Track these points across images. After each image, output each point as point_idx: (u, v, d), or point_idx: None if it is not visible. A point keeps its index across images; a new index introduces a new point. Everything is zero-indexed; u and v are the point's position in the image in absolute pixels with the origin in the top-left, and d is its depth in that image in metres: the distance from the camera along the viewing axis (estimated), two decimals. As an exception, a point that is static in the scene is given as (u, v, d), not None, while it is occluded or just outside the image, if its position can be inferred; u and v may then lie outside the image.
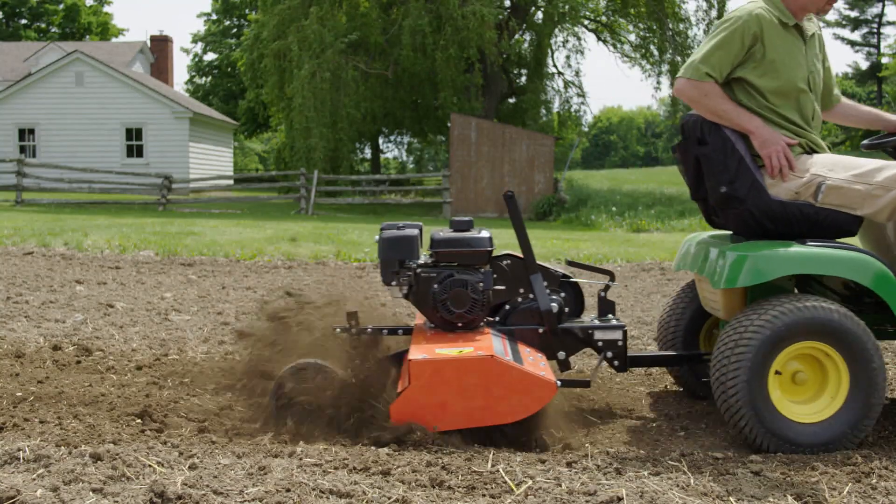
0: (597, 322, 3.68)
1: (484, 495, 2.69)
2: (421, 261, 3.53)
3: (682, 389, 4.19)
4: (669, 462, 3.04)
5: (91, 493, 2.55)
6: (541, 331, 3.59)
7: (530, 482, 2.77)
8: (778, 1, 3.50)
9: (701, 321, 4.08)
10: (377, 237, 3.60)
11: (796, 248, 3.26)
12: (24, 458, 2.83)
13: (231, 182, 30.11)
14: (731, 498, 2.71)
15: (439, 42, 23.52)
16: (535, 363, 3.28)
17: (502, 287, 3.61)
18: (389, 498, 2.62)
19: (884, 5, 48.43)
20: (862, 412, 3.18)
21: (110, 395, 3.83)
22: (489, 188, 23.37)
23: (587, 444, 3.28)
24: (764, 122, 3.42)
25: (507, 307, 3.65)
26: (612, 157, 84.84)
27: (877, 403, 3.18)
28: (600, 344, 3.64)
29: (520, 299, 3.65)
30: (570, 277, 3.77)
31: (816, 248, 3.26)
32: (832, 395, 3.22)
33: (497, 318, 3.64)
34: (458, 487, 2.74)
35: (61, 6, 51.36)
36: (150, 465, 2.81)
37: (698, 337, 4.09)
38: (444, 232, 3.54)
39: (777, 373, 3.20)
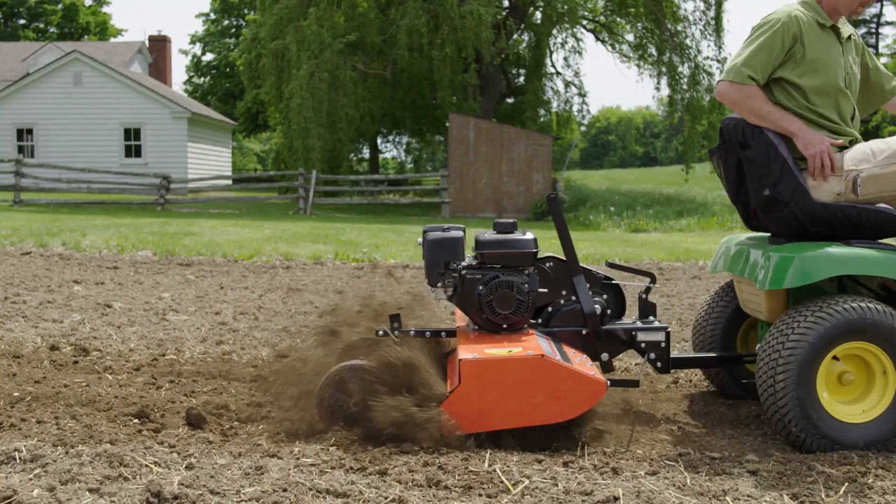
0: (639, 324, 3.68)
1: (480, 495, 2.70)
2: (465, 262, 3.54)
3: (708, 388, 4.20)
4: (666, 462, 3.04)
5: (87, 492, 2.55)
6: (584, 332, 3.60)
7: (527, 482, 2.77)
8: (814, 3, 3.54)
9: (738, 323, 4.08)
10: (420, 240, 3.61)
11: (842, 249, 3.27)
12: (20, 458, 2.83)
13: (229, 182, 30.10)
14: (727, 497, 2.71)
15: (436, 42, 23.51)
16: (583, 363, 3.30)
17: (545, 289, 3.61)
18: (386, 498, 2.63)
19: (882, 6, 48.47)
20: None
21: (107, 395, 3.83)
22: (487, 188, 23.37)
23: (584, 444, 3.28)
24: (806, 124, 3.44)
25: (550, 309, 3.65)
26: (611, 157, 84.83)
27: None
28: (643, 345, 3.64)
29: (562, 301, 3.66)
30: (612, 279, 3.78)
31: (862, 248, 3.28)
32: (879, 394, 3.24)
33: (539, 321, 3.65)
34: (455, 487, 2.74)
35: (60, 6, 51.32)
36: (147, 465, 2.81)
37: (735, 339, 4.09)
38: (489, 234, 3.55)
39: (835, 358, 3.21)
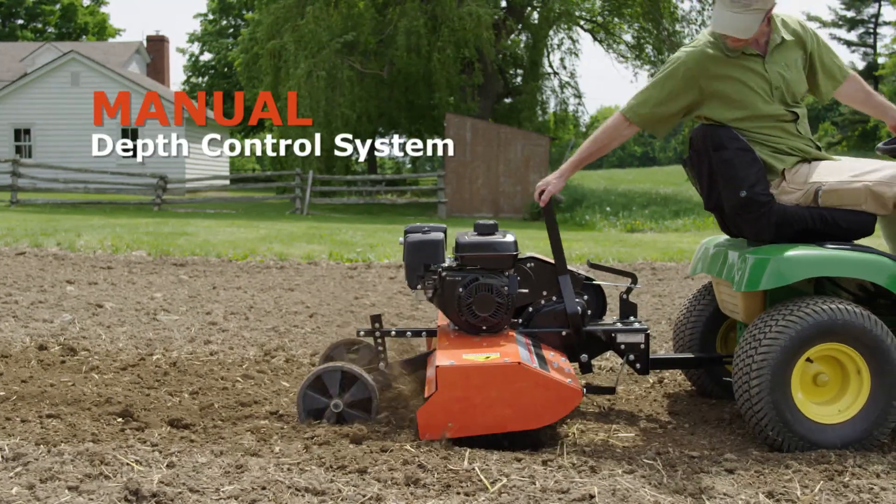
0: (619, 325, 3.70)
1: (458, 493, 2.71)
2: (446, 264, 3.55)
3: (691, 388, 4.22)
4: (644, 461, 3.06)
5: (67, 490, 2.57)
6: (564, 333, 3.62)
7: (505, 480, 2.79)
8: (717, 34, 3.50)
9: (717, 324, 4.10)
10: (401, 240, 3.62)
11: (817, 251, 3.29)
12: (2, 457, 2.85)
13: (227, 182, 30.08)
14: (703, 496, 2.73)
15: (435, 43, 23.52)
16: (561, 369, 3.32)
17: (525, 290, 3.63)
18: (364, 496, 2.64)
19: (880, 5, 48.45)
20: (884, 412, 3.21)
21: (92, 394, 3.84)
22: (484, 188, 23.38)
23: (564, 443, 3.30)
24: (562, 177, 3.64)
25: (531, 309, 3.67)
26: (610, 157, 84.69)
27: None
28: (623, 346, 3.66)
29: (542, 302, 3.67)
30: (593, 280, 3.80)
31: (836, 250, 3.30)
32: (854, 395, 3.26)
33: (520, 321, 3.66)
34: (434, 486, 2.76)
35: (58, 6, 51.26)
36: (128, 464, 2.83)
37: (715, 339, 4.11)
38: (469, 235, 3.56)
39: (809, 360, 3.23)
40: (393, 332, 3.70)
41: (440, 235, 3.60)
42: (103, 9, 56.61)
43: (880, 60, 47.72)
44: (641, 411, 3.91)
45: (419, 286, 3.55)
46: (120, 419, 3.46)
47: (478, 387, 3.13)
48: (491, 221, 3.59)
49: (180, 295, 7.31)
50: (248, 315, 6.33)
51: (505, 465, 2.96)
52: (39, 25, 51.96)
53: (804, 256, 3.28)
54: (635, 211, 21.76)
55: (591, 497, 2.64)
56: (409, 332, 3.75)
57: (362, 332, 3.68)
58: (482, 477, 2.82)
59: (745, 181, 3.39)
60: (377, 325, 3.63)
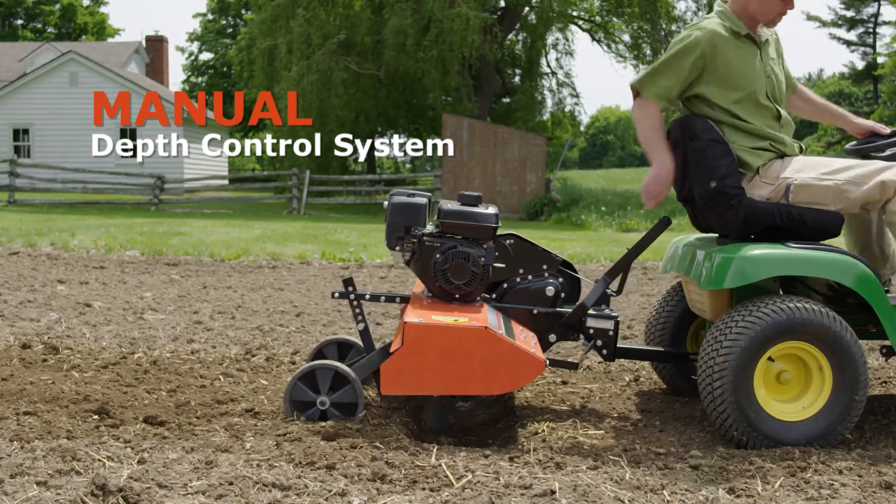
0: (591, 310, 3.75)
1: (423, 489, 2.75)
2: (427, 230, 3.60)
3: (665, 387, 4.26)
4: (610, 457, 3.10)
5: (35, 485, 2.61)
6: (535, 312, 3.68)
7: (470, 476, 2.83)
8: (728, 12, 3.56)
9: (688, 322, 4.15)
10: (385, 203, 3.68)
11: (781, 250, 3.33)
12: (-25, 454, 2.88)
13: (225, 182, 30.13)
14: (664, 492, 2.77)
15: (423, 44, 23.57)
16: (527, 341, 3.37)
17: (502, 265, 3.68)
18: (330, 491, 2.68)
19: (879, 5, 48.45)
20: (847, 408, 3.25)
21: (70, 391, 3.87)
22: (481, 188, 23.40)
23: (532, 440, 3.33)
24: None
25: (505, 286, 3.74)
26: (610, 156, 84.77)
27: (860, 401, 3.26)
28: (591, 332, 3.72)
29: (518, 280, 3.73)
30: (570, 264, 3.86)
31: (800, 249, 3.33)
32: (816, 392, 3.30)
33: (493, 296, 3.72)
34: (400, 482, 2.80)
35: (57, 6, 51.34)
36: (99, 460, 2.86)
37: (685, 337, 4.16)
38: (453, 204, 3.60)
39: (770, 359, 3.27)
40: (367, 296, 3.75)
41: (424, 200, 3.66)
42: (103, 9, 56.67)
43: (880, 60, 47.70)
44: (614, 409, 3.95)
45: (398, 248, 3.61)
46: (95, 416, 3.48)
47: (443, 346, 3.18)
48: (476, 193, 3.63)
49: (170, 294, 7.35)
50: (234, 314, 6.37)
51: (472, 461, 3.00)
52: (39, 25, 52.02)
53: (768, 255, 3.31)
54: (631, 211, 21.77)
55: (553, 492, 2.68)
56: (383, 297, 3.80)
57: (336, 294, 3.73)
58: (448, 473, 2.86)
59: (715, 172, 3.43)
60: (351, 287, 3.68)
